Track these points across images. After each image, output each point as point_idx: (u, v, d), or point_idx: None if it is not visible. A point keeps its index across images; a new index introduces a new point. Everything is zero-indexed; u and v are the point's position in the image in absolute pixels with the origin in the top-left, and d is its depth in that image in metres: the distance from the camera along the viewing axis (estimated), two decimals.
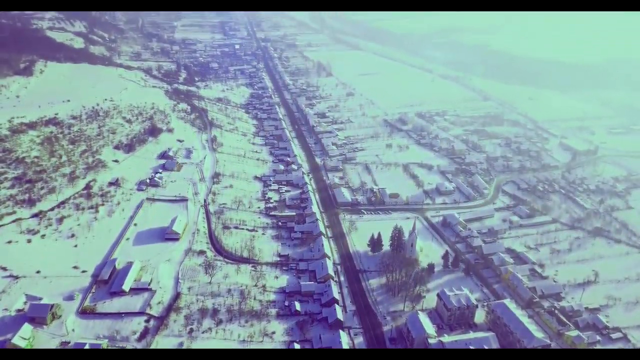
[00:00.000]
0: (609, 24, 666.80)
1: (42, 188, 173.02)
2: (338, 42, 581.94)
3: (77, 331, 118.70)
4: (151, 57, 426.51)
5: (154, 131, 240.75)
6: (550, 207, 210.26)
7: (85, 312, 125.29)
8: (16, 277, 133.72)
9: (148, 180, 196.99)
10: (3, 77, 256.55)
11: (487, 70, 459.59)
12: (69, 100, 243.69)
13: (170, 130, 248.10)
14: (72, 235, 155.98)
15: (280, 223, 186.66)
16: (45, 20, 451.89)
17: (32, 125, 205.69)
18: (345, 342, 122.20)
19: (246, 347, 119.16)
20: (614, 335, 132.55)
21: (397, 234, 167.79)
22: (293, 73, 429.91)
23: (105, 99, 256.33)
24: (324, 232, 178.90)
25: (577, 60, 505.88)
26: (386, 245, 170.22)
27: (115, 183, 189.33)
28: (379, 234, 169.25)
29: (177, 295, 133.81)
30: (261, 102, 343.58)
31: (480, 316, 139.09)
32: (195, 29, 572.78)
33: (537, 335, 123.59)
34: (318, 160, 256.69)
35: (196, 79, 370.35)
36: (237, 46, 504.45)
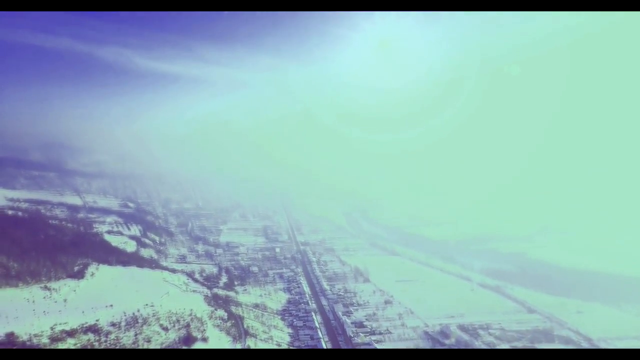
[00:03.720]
0: None
1: None
2: (374, 246, 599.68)
3: None
4: (195, 259, 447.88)
5: (188, 340, 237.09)
6: None
7: None
8: None
9: None
10: (56, 280, 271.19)
11: (527, 279, 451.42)
12: (111, 305, 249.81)
13: (204, 339, 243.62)
14: None
15: None
16: (105, 224, 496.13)
17: (71, 333, 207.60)
18: None
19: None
20: None
21: None
22: (330, 278, 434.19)
23: (146, 304, 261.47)
24: None
25: (622, 272, 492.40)
26: None
27: None
28: None
29: None
30: (297, 309, 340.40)
31: None
32: (240, 232, 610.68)
33: None
34: None
35: (236, 282, 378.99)
36: (277, 249, 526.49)
